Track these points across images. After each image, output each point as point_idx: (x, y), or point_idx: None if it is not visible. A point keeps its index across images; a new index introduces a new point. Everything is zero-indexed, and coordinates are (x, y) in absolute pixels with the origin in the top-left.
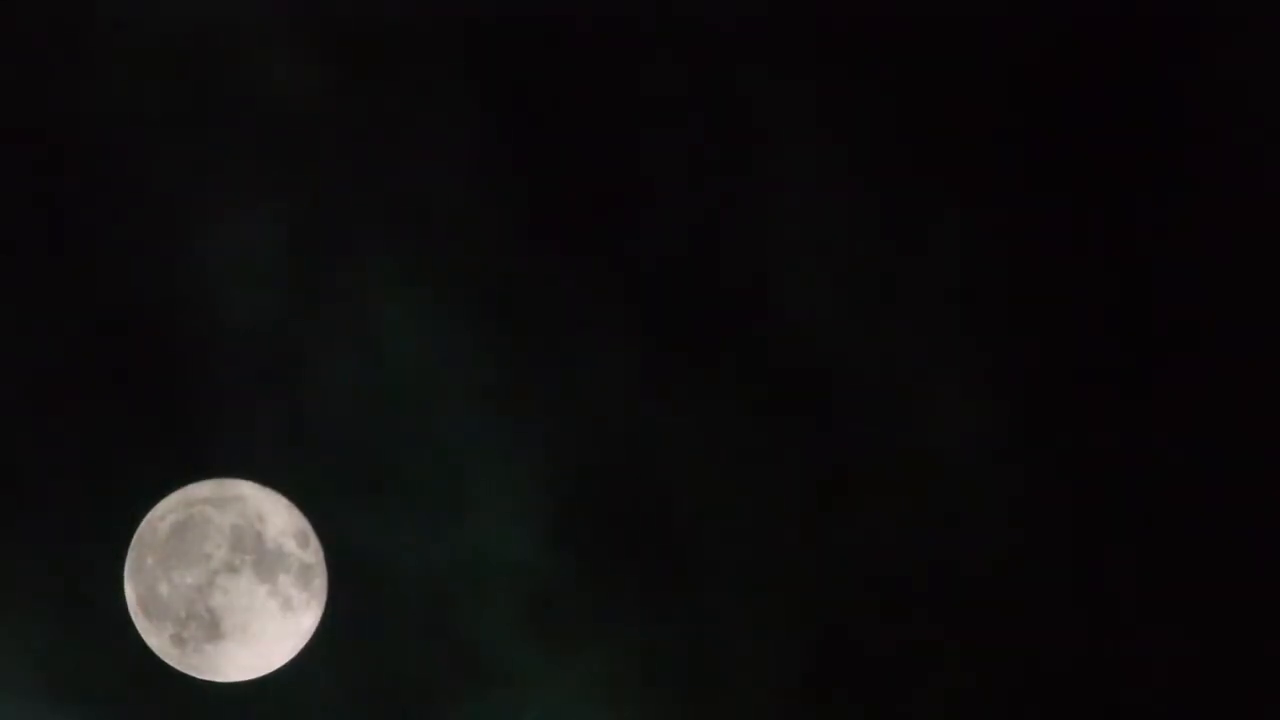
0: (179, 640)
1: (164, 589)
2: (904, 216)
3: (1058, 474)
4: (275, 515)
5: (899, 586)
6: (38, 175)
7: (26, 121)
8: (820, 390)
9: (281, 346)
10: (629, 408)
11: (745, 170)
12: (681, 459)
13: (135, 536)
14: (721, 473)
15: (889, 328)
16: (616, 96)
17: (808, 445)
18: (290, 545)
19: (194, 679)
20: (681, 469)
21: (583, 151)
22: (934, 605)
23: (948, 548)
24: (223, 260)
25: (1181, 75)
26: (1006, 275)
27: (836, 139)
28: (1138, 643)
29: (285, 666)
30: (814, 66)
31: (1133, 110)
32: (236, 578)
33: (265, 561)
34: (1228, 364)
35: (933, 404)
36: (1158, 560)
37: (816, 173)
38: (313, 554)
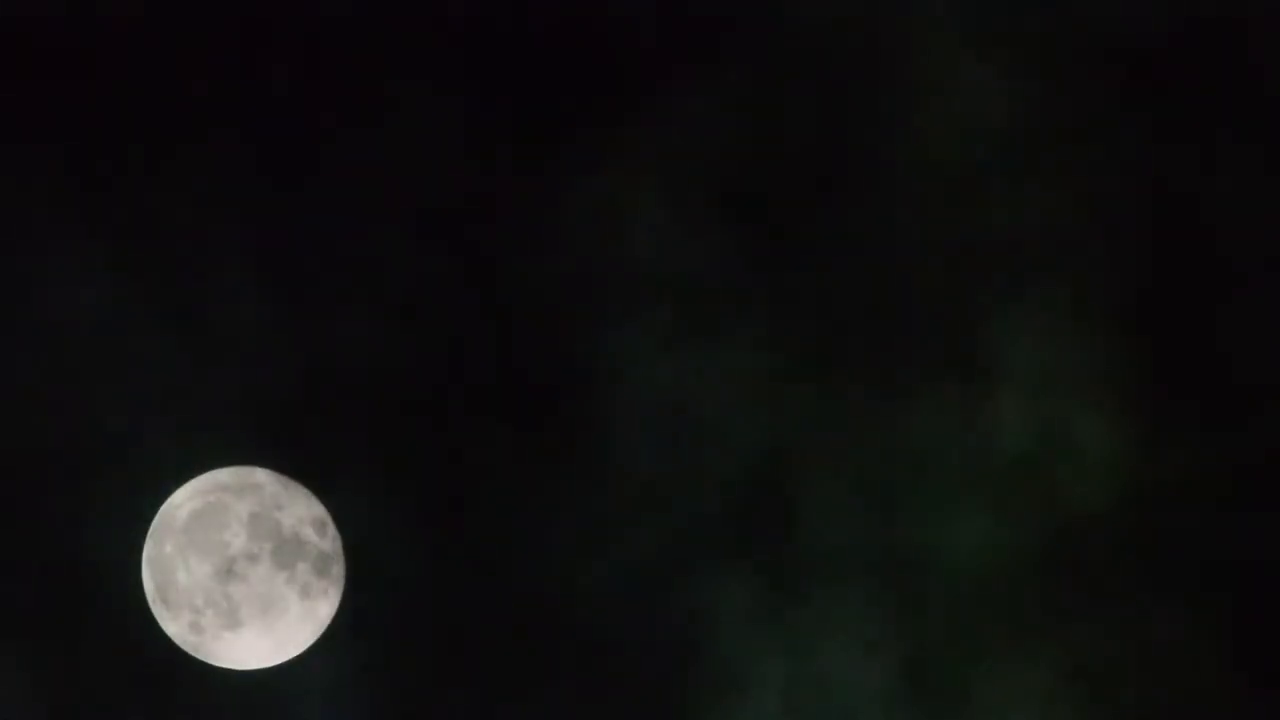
0: (197, 628)
1: (182, 576)
2: None
3: None
4: (293, 503)
5: None
6: None
7: None
8: None
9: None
10: None
11: None
12: None
13: (153, 524)
14: None
15: None
16: None
17: None
18: (308, 533)
19: (212, 666)
20: None
21: None
22: None
23: None
24: None
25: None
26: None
27: None
28: None
29: (303, 654)
30: None
31: None
32: (255, 565)
33: (284, 549)
34: None
35: None
36: None
37: None
38: (330, 542)
